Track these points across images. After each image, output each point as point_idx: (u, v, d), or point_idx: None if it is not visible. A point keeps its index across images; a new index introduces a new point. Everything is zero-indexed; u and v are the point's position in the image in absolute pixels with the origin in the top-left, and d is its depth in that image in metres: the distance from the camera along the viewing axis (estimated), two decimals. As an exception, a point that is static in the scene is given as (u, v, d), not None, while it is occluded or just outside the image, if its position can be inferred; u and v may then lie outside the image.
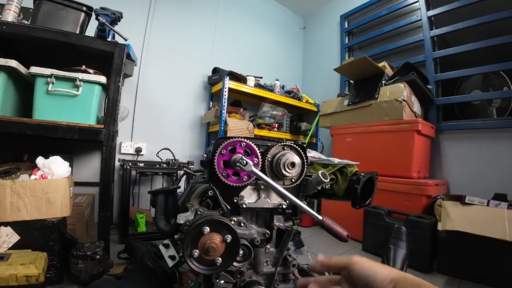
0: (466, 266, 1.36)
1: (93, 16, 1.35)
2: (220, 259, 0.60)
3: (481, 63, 1.97)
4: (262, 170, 0.72)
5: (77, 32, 1.31)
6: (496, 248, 1.25)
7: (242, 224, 0.72)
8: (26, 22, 1.35)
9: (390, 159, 1.90)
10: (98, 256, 1.09)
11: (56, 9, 1.28)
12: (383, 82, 2.07)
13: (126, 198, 1.81)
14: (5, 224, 0.99)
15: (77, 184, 1.80)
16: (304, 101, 2.99)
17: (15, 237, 1.00)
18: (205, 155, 2.51)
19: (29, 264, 0.85)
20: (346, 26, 3.06)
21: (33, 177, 1.09)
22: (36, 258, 0.90)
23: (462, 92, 2.11)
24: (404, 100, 1.84)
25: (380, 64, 2.16)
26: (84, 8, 1.33)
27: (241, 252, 0.69)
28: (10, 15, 1.22)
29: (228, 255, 0.62)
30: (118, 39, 1.37)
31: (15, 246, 0.99)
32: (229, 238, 0.61)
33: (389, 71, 2.18)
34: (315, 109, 3.05)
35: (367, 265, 0.39)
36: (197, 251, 0.58)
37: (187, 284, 0.95)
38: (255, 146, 0.70)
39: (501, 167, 1.81)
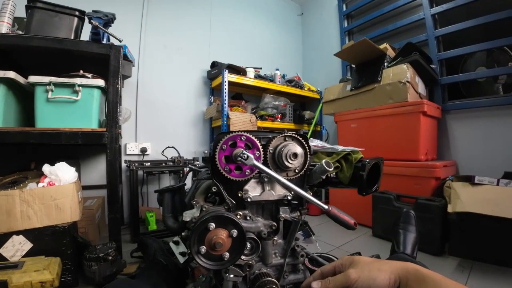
0: (478, 247, 1.35)
1: (86, 20, 1.34)
2: (227, 254, 0.60)
3: (484, 39, 1.90)
4: (265, 162, 0.71)
5: (72, 37, 1.31)
6: (509, 228, 1.23)
7: (248, 218, 0.72)
8: (20, 32, 1.35)
9: (396, 143, 1.88)
10: (110, 257, 1.11)
11: (49, 16, 1.27)
12: (386, 64, 2.02)
13: (135, 198, 1.83)
14: (17, 232, 1.01)
15: (86, 188, 1.83)
16: (306, 89, 2.95)
17: (28, 245, 1.02)
18: (206, 152, 2.52)
19: (43, 270, 0.87)
20: (344, 9, 2.99)
21: (40, 184, 1.11)
22: (49, 264, 0.92)
23: (467, 70, 2.05)
24: (408, 82, 1.80)
25: (381, 46, 2.11)
26: (77, 13, 1.32)
27: (248, 245, 0.69)
28: (4, 27, 1.21)
29: (235, 249, 0.62)
30: (114, 41, 1.36)
31: (29, 254, 1.02)
32: (235, 232, 0.61)
33: (391, 53, 2.13)
34: (317, 96, 3.02)
35: (366, 275, 0.39)
36: (204, 247, 0.59)
37: (199, 279, 0.96)
38: (255, 139, 0.69)
39: (510, 145, 1.77)
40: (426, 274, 0.36)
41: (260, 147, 0.70)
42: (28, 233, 1.03)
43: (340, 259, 0.46)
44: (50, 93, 1.18)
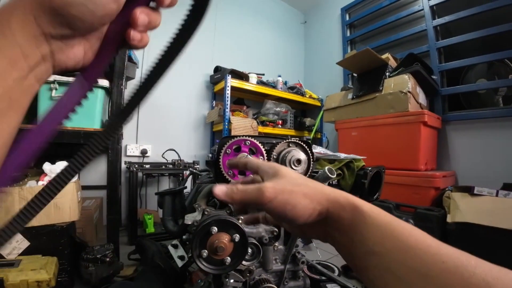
0: (477, 258, 1.34)
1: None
2: (229, 258, 0.60)
3: (485, 52, 1.93)
4: (268, 168, 0.71)
5: (78, 37, 1.31)
6: (507, 239, 1.23)
7: (249, 223, 0.72)
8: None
9: (396, 152, 1.88)
10: (108, 259, 1.10)
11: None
12: (387, 74, 2.04)
13: (134, 200, 1.82)
14: (15, 230, 1.00)
15: (85, 188, 1.82)
16: (307, 96, 2.96)
17: (25, 243, 1.01)
18: (210, 155, 2.51)
19: (39, 270, 0.86)
20: (347, 18, 3.03)
21: (40, 183, 1.11)
22: (46, 263, 0.91)
23: (468, 82, 2.07)
24: (409, 92, 1.82)
25: (383, 56, 2.13)
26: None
27: (249, 250, 0.69)
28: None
29: (237, 254, 0.61)
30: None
31: (26, 252, 1.01)
32: (237, 237, 0.60)
33: (392, 63, 2.15)
34: (319, 104, 3.03)
35: (285, 198, 0.29)
36: (206, 251, 0.58)
37: (197, 283, 0.95)
38: (260, 144, 0.69)
39: (509, 156, 1.78)
40: (366, 211, 0.28)
41: (264, 152, 0.70)
42: (26, 231, 1.02)
43: (270, 163, 0.35)
44: (54, 91, 1.19)
